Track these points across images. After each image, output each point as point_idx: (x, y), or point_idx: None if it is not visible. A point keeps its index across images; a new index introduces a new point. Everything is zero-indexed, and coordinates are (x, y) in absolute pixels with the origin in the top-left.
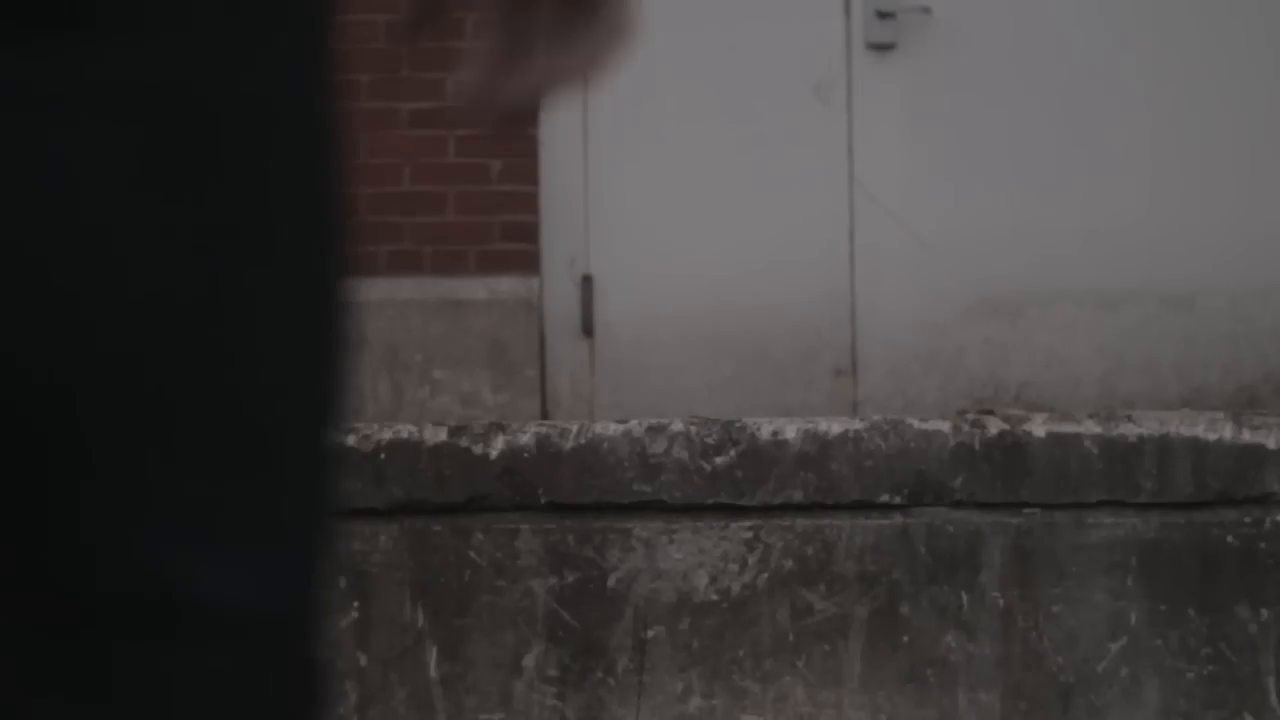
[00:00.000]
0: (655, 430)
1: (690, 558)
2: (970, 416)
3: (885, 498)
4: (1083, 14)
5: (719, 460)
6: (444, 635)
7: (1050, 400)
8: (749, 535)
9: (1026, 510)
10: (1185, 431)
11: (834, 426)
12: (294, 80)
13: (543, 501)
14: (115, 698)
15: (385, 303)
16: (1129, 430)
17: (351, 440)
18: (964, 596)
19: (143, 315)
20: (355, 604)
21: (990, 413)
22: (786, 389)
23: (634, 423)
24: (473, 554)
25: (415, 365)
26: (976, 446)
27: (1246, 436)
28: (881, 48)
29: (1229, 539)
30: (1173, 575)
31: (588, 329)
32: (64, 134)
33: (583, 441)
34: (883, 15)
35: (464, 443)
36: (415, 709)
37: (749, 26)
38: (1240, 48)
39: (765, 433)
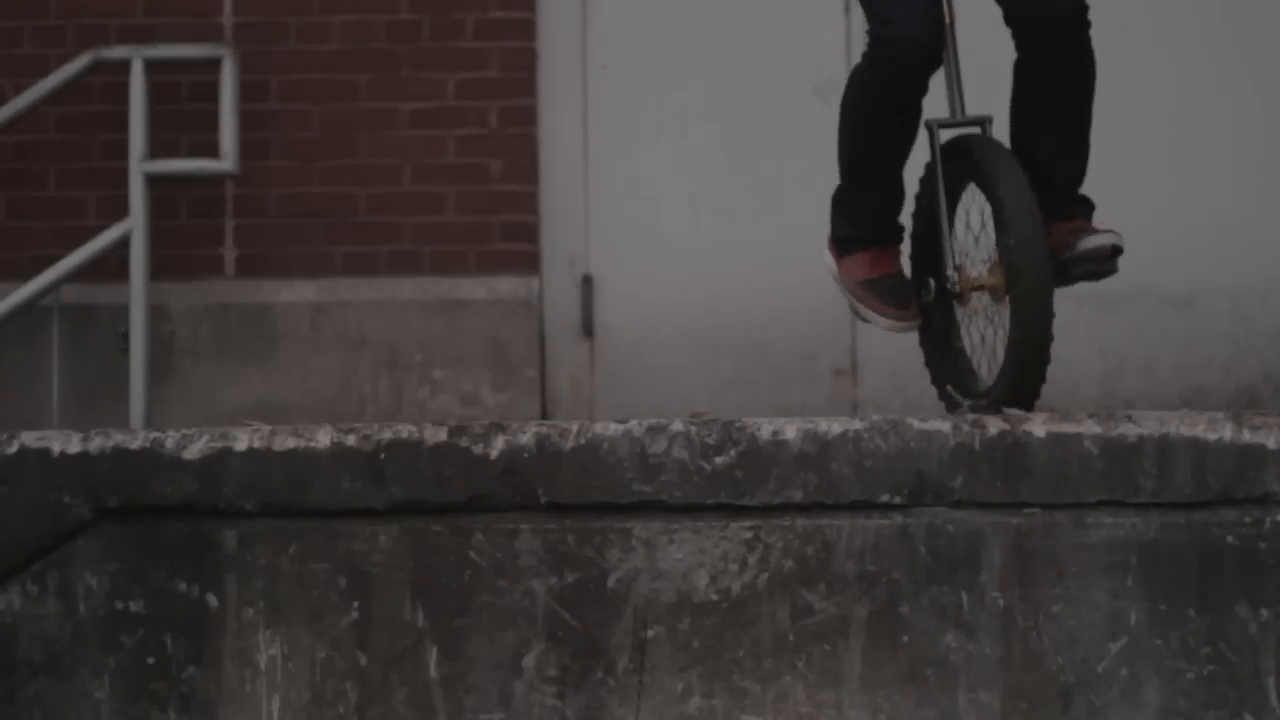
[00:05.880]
0: (655, 430)
1: (690, 558)
2: (970, 416)
3: (885, 498)
4: None
5: (719, 460)
6: (444, 635)
7: (1050, 400)
8: (749, 535)
9: (1026, 510)
10: (1185, 431)
11: (834, 426)
12: None
13: (543, 501)
14: None
15: (385, 303)
16: (1129, 430)
17: (351, 440)
18: (964, 596)
19: None
20: (355, 604)
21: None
22: (786, 389)
23: (634, 423)
24: (473, 554)
25: (415, 365)
26: (976, 446)
27: (1246, 436)
28: None
29: (1229, 539)
30: (1173, 575)
31: (588, 329)
32: None
33: (583, 441)
34: None
35: (464, 443)
36: (415, 709)
37: (749, 26)
38: (1241, 49)
39: (765, 433)
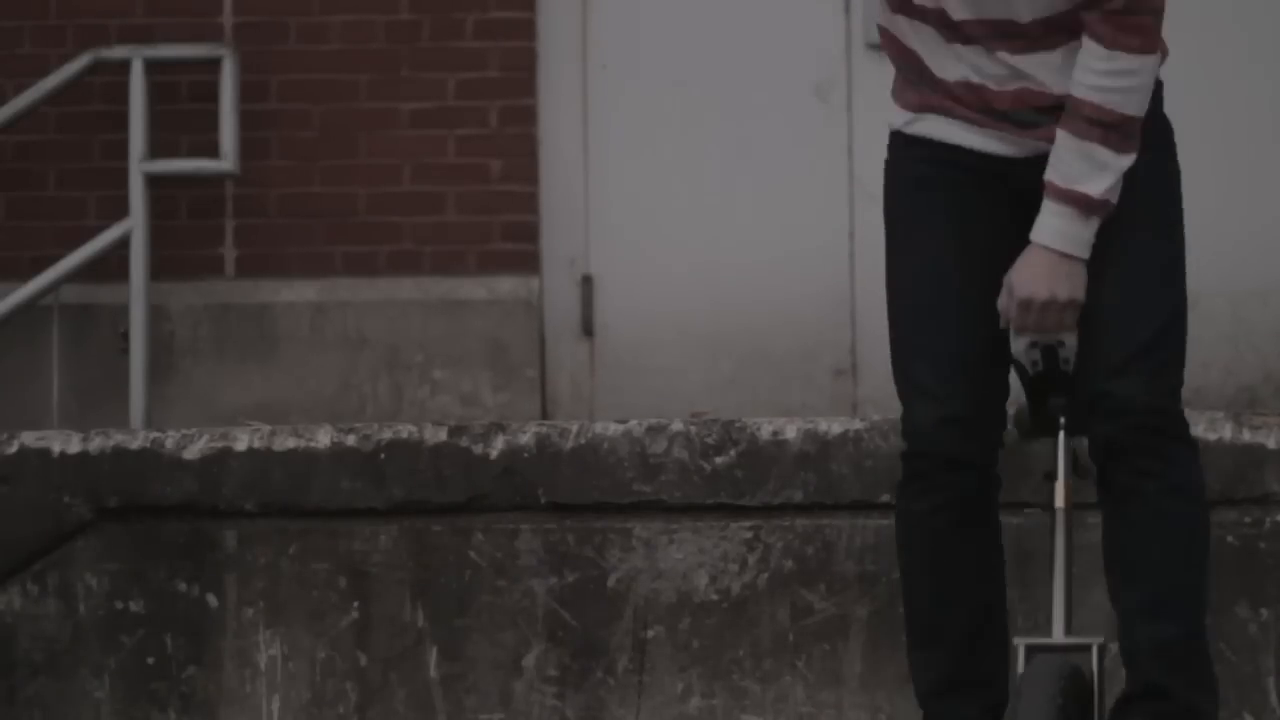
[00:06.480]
0: (655, 430)
1: (690, 558)
2: None
3: (885, 498)
4: None
5: (719, 460)
6: (444, 635)
7: None
8: (749, 535)
9: (1027, 510)
10: None
11: (834, 426)
12: None
13: (543, 501)
14: None
15: (385, 303)
16: None
17: (351, 440)
18: None
19: None
20: (355, 604)
21: None
22: (786, 389)
23: (634, 423)
24: (473, 554)
25: (415, 365)
26: None
27: (1246, 436)
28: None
29: (1229, 539)
30: None
31: (588, 329)
32: None
33: (583, 441)
34: None
35: (464, 443)
36: (415, 709)
37: (749, 26)
38: (1240, 48)
39: (765, 433)
